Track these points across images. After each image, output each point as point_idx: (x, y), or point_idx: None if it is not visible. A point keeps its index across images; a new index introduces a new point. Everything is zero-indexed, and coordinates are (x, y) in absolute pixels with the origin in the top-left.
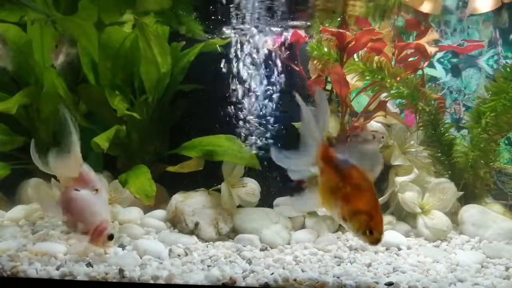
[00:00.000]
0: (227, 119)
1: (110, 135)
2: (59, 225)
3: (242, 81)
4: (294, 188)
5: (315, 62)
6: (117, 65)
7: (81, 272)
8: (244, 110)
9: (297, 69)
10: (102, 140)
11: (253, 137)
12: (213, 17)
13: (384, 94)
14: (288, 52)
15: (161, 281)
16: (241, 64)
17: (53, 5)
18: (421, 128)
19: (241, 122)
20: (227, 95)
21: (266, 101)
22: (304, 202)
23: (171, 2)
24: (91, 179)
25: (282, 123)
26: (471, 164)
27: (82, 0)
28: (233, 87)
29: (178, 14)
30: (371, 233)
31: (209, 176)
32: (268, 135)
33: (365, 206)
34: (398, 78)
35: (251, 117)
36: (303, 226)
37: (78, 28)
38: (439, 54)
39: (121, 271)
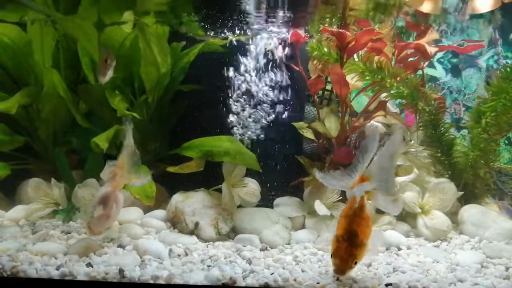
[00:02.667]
0: (228, 119)
1: (109, 135)
2: (59, 225)
3: (242, 82)
4: (294, 188)
5: (315, 62)
6: (117, 65)
7: (81, 272)
8: (245, 111)
9: (297, 69)
10: (102, 140)
11: (254, 137)
12: (212, 17)
13: (384, 94)
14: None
15: (161, 281)
16: (241, 64)
17: (53, 5)
18: (421, 128)
19: (241, 123)
20: (227, 95)
21: (267, 101)
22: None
23: (170, 2)
24: None
25: (283, 124)
26: (471, 164)
27: (83, 0)
28: (233, 88)
29: (178, 14)
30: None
31: (209, 176)
32: (268, 135)
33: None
34: (398, 78)
35: (252, 117)
36: (303, 226)
37: (78, 28)
38: (439, 54)
39: (121, 271)
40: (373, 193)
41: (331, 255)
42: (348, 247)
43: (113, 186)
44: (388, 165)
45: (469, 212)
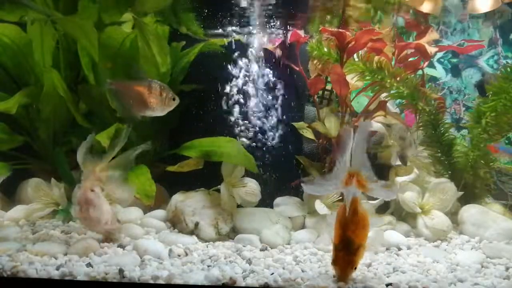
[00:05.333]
0: (228, 119)
1: (110, 133)
2: (59, 225)
3: (242, 81)
4: (294, 188)
5: (315, 62)
6: (117, 65)
7: (81, 272)
8: (245, 111)
9: (297, 69)
10: (103, 138)
11: (253, 138)
12: (212, 16)
13: (384, 94)
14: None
15: (161, 281)
16: (241, 64)
17: (53, 5)
18: (421, 128)
19: (241, 123)
20: (227, 95)
21: (267, 101)
22: None
23: (170, 2)
24: None
25: (283, 124)
26: (471, 164)
27: None
28: (233, 88)
29: (178, 14)
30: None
31: (209, 176)
32: (268, 135)
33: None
34: (398, 78)
35: (252, 117)
36: (303, 226)
37: (78, 28)
38: (439, 54)
39: (121, 271)
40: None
41: (331, 263)
42: (346, 255)
43: (84, 188)
44: (364, 156)
45: (469, 212)
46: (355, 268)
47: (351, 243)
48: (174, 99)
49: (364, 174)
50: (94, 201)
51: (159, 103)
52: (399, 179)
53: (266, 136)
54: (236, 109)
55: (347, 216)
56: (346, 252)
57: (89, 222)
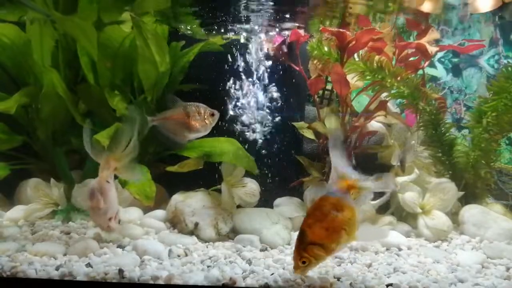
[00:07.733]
0: (228, 119)
1: (110, 133)
2: (58, 225)
3: (242, 81)
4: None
5: (315, 61)
6: (117, 65)
7: (80, 273)
8: (245, 111)
9: (297, 68)
10: (103, 137)
11: (254, 138)
12: (212, 16)
13: (385, 94)
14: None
15: (160, 282)
16: (241, 64)
17: (52, 5)
18: (421, 128)
19: (242, 123)
20: (227, 95)
21: (267, 101)
22: None
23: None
24: None
25: (283, 123)
26: (472, 164)
27: None
28: (234, 87)
29: (177, 13)
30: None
31: (209, 176)
32: (268, 135)
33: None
34: (398, 78)
35: (252, 118)
36: None
37: (78, 28)
38: (440, 54)
39: (120, 271)
40: (358, 186)
41: None
42: (297, 247)
43: (100, 178)
44: (343, 157)
45: (470, 212)
46: (304, 263)
47: (303, 235)
48: (213, 115)
49: (349, 176)
50: (107, 192)
51: (200, 123)
52: (400, 179)
53: (268, 136)
54: (237, 109)
55: (308, 210)
56: (298, 243)
57: (96, 212)
